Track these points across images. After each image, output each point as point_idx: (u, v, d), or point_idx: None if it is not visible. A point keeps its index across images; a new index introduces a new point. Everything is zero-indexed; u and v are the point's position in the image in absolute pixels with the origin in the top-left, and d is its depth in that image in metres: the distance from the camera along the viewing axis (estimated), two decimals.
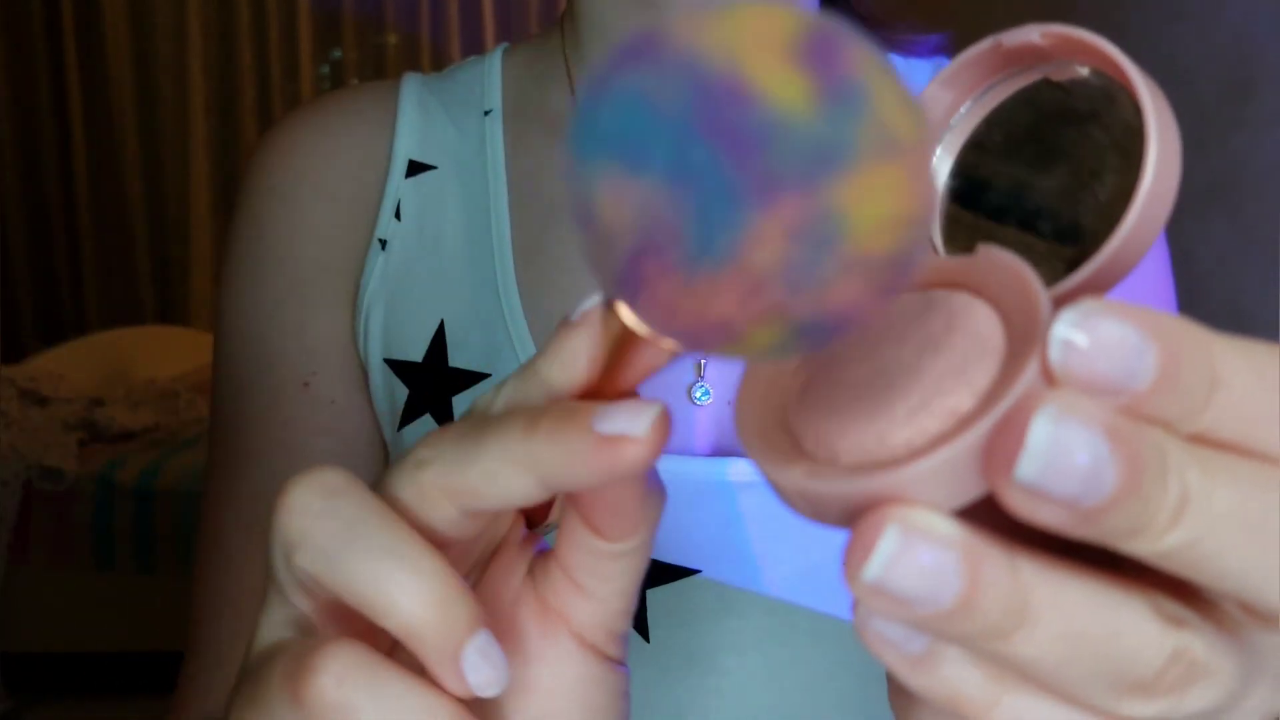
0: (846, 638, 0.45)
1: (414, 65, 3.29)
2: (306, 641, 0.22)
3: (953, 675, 0.17)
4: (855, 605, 0.17)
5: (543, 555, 0.25)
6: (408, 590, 0.21)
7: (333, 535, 0.21)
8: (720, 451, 0.47)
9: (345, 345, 0.51)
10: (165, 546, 2.16)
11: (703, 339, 0.16)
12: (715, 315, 0.16)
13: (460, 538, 0.23)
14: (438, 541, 0.22)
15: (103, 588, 2.18)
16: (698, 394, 0.47)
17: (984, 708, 0.17)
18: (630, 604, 0.25)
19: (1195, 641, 0.17)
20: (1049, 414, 0.15)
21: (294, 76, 3.31)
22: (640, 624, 0.45)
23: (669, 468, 0.46)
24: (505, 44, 0.57)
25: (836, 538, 0.45)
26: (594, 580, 0.24)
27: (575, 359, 0.22)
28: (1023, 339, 0.17)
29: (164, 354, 2.79)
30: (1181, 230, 1.28)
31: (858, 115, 0.15)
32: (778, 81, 0.14)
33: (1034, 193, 0.22)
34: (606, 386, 0.21)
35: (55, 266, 3.25)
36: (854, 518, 0.17)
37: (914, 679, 0.17)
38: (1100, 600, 0.17)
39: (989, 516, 0.17)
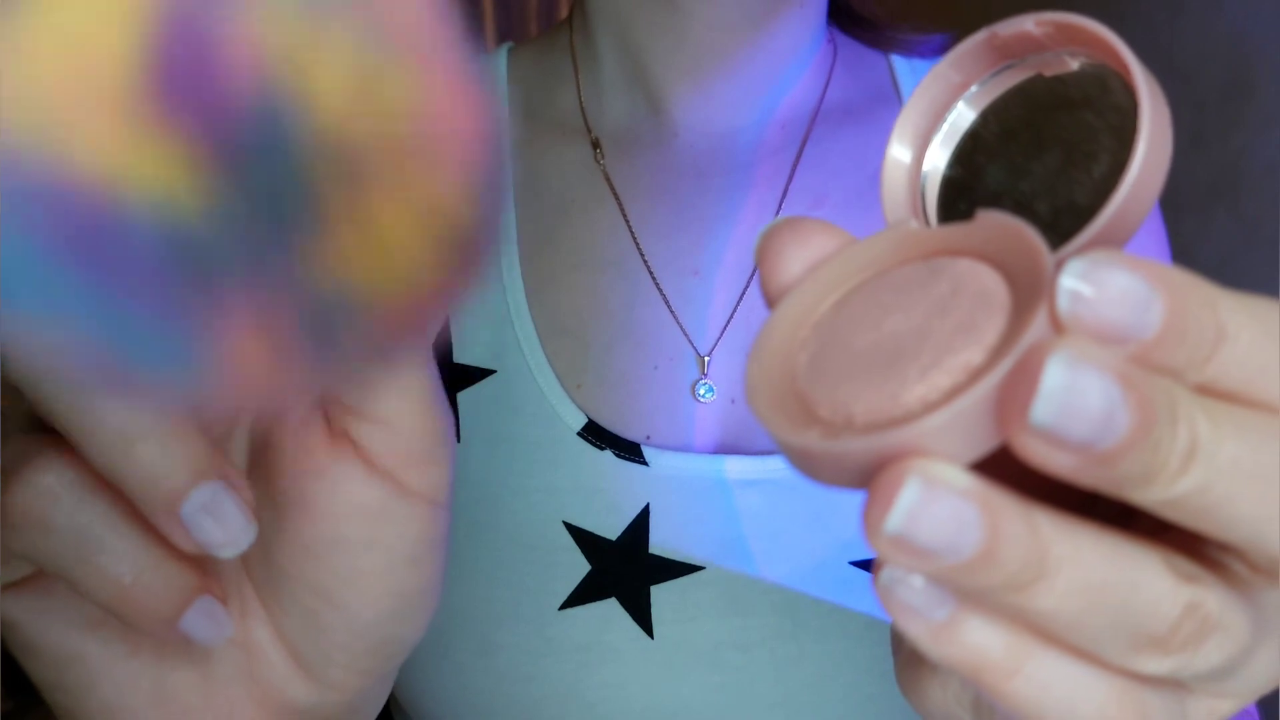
0: (852, 633, 0.45)
1: None
2: (15, 444, 0.20)
3: (976, 642, 0.17)
4: (876, 571, 0.18)
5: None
6: (106, 418, 0.18)
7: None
8: (724, 449, 0.47)
9: None
10: None
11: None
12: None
13: None
14: None
15: None
16: (701, 391, 0.47)
17: (1007, 674, 0.17)
18: (423, 423, 0.23)
19: (1208, 597, 0.17)
20: (1062, 358, 0.15)
21: None
22: (645, 621, 0.45)
23: (672, 464, 0.46)
24: (510, 43, 0.57)
25: (837, 535, 0.46)
26: (368, 402, 0.22)
27: None
28: (1028, 293, 0.18)
29: None
30: (1182, 228, 1.28)
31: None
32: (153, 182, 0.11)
33: (1030, 177, 0.22)
34: None
35: None
36: (872, 476, 0.17)
37: (937, 647, 0.18)
38: (1116, 554, 0.17)
39: (1003, 476, 0.17)
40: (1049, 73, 0.22)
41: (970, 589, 0.17)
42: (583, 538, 0.46)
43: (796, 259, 0.21)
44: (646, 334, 0.49)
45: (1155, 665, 0.17)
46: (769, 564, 0.46)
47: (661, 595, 0.45)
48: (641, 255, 0.50)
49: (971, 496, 0.16)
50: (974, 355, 0.17)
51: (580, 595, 0.45)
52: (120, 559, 0.20)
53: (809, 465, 0.18)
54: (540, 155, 0.52)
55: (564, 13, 0.56)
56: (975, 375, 0.17)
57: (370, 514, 0.23)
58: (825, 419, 0.19)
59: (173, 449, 0.19)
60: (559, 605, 0.45)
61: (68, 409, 0.19)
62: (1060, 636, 0.17)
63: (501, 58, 0.55)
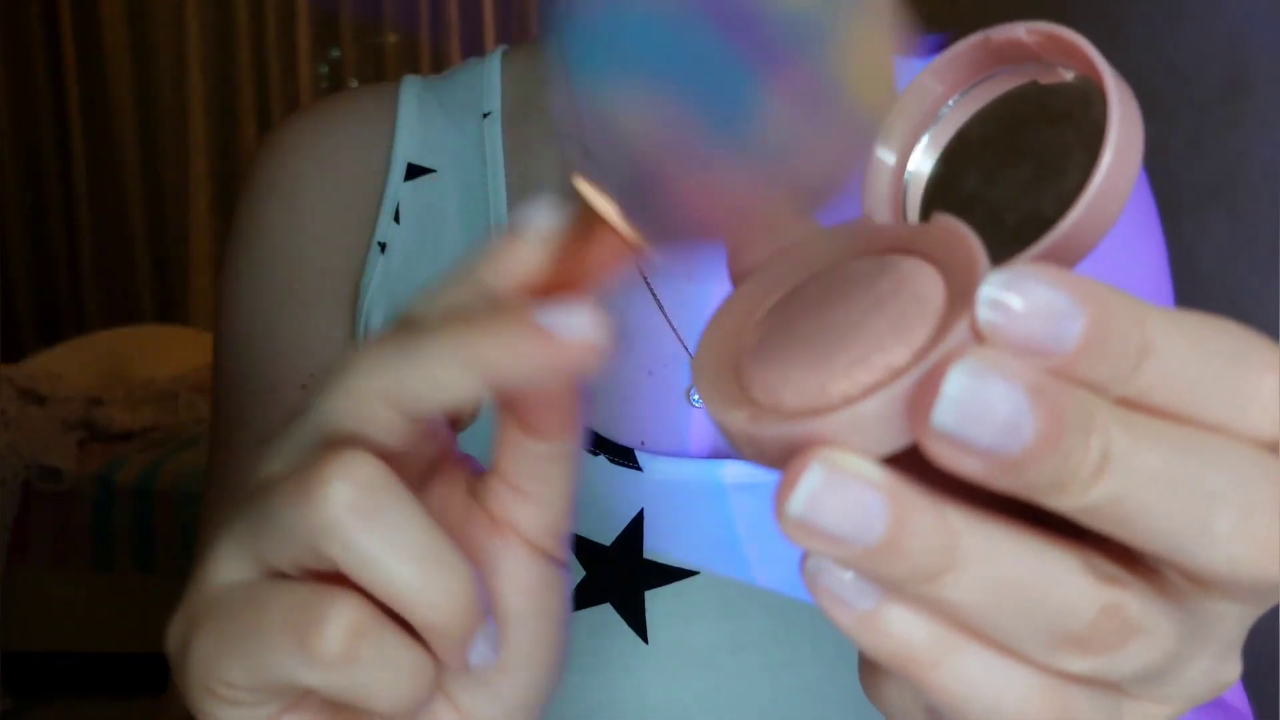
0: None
1: (413, 65, 3.29)
2: (306, 590, 0.22)
3: (899, 632, 0.18)
4: (803, 561, 0.18)
5: (479, 475, 0.26)
6: (441, 593, 0.22)
7: (373, 536, 0.21)
8: (718, 453, 0.47)
9: (344, 348, 0.51)
10: (165, 546, 2.16)
11: (710, 230, 0.18)
12: (732, 203, 0.17)
13: (399, 447, 0.23)
14: (378, 452, 0.22)
15: (102, 588, 2.18)
16: (695, 396, 0.47)
17: (929, 666, 0.18)
18: (570, 504, 0.26)
19: (1129, 599, 0.18)
20: (965, 366, 0.16)
21: (292, 76, 3.31)
22: (639, 625, 0.45)
23: (667, 469, 0.46)
24: (504, 46, 0.57)
25: None
26: (534, 483, 0.25)
27: (515, 265, 0.22)
28: (961, 300, 0.18)
29: (163, 354, 2.79)
30: (1181, 230, 1.28)
31: None
32: None
33: (1003, 185, 0.22)
34: (552, 290, 0.22)
35: (54, 266, 3.25)
36: (789, 460, 0.18)
37: (862, 637, 0.18)
38: (1030, 550, 0.17)
39: (928, 478, 0.17)
40: (1044, 81, 0.22)
41: (880, 577, 0.17)
42: (577, 543, 0.46)
43: (764, 243, 0.21)
44: (640, 339, 0.49)
45: (1076, 664, 0.18)
46: (764, 567, 0.45)
47: (656, 600, 0.45)
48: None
49: (877, 486, 0.17)
50: (899, 356, 0.18)
51: (575, 601, 0.45)
52: (410, 675, 0.22)
53: (737, 443, 0.19)
54: (533, 159, 0.52)
55: None
56: (894, 375, 0.18)
57: (535, 588, 0.25)
58: (758, 401, 0.19)
59: (477, 597, 0.22)
60: None
61: (404, 582, 0.21)
62: (979, 630, 0.18)
63: (495, 61, 0.55)
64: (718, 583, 0.45)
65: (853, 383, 0.18)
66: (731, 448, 0.19)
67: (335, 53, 3.36)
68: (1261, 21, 1.20)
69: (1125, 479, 0.16)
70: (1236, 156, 1.24)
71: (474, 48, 3.23)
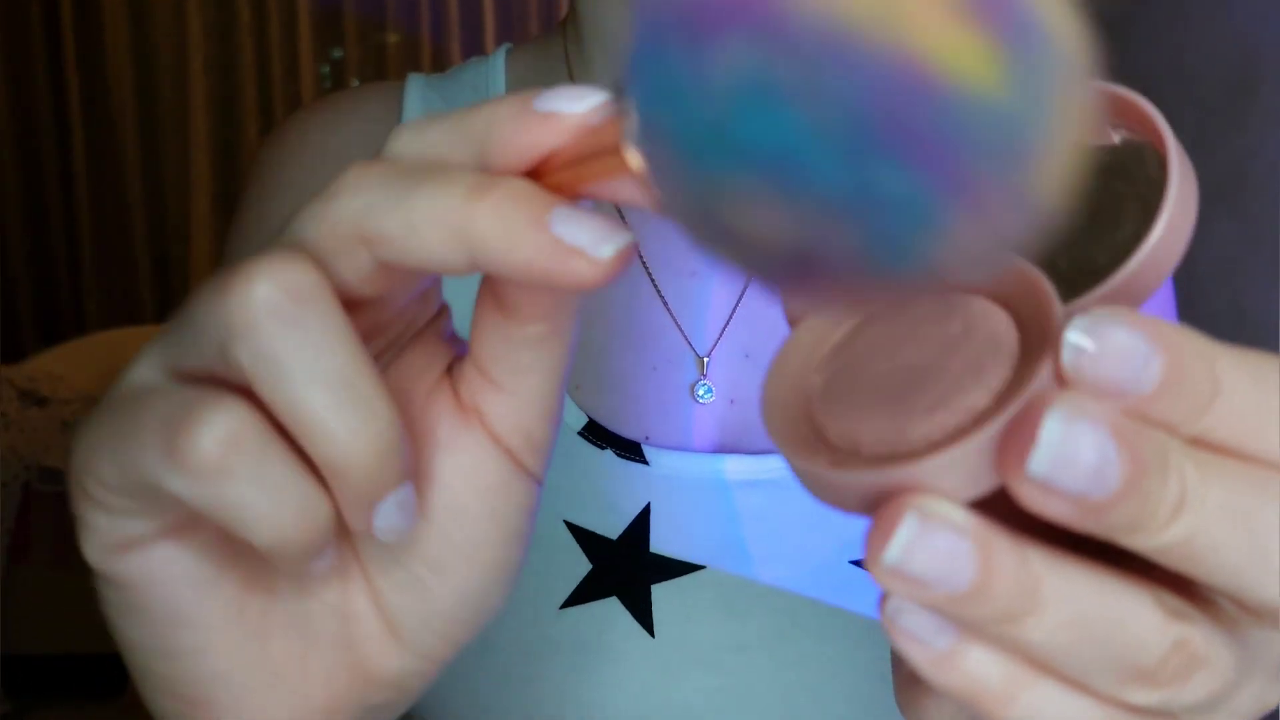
0: (852, 634, 0.45)
1: (415, 65, 3.29)
2: (194, 391, 0.20)
3: (975, 671, 0.18)
4: (882, 602, 0.18)
5: (461, 357, 0.24)
6: (352, 430, 0.19)
7: (286, 347, 0.19)
8: (722, 449, 0.47)
9: None
10: None
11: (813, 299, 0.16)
12: (869, 296, 0.15)
13: (368, 295, 0.21)
14: (345, 296, 0.20)
15: None
16: (700, 392, 0.47)
17: (1004, 702, 0.18)
18: (550, 408, 0.24)
19: (1195, 634, 0.18)
20: (1060, 413, 0.16)
21: (294, 76, 3.31)
22: (646, 619, 0.45)
23: (672, 464, 0.46)
24: (508, 45, 0.57)
25: (838, 534, 0.46)
26: (508, 373, 0.23)
27: (529, 147, 0.20)
28: (1036, 343, 0.18)
29: None
30: None
31: (1049, 70, 0.13)
32: (957, 54, 0.12)
33: (1056, 233, 0.23)
34: (549, 179, 0.20)
35: (55, 266, 3.25)
36: (874, 506, 0.18)
37: (938, 675, 0.18)
38: (1106, 591, 0.18)
39: (1000, 512, 0.17)
40: (1093, 142, 0.23)
41: (965, 619, 0.18)
42: (584, 537, 0.46)
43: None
44: (645, 335, 0.49)
45: (1144, 697, 0.18)
46: (768, 564, 0.45)
47: (662, 594, 0.45)
48: (640, 256, 0.50)
49: (966, 532, 0.17)
50: (979, 399, 0.18)
51: (581, 594, 0.45)
52: (294, 508, 0.20)
53: (815, 487, 0.19)
54: None
55: (564, 13, 0.56)
56: (979, 419, 0.18)
57: (492, 488, 0.24)
58: (834, 444, 0.19)
59: (395, 449, 0.20)
60: (559, 604, 0.45)
61: (314, 405, 0.19)
62: (1054, 667, 0.18)
63: (500, 59, 0.55)
64: (723, 579, 0.45)
65: (934, 425, 0.18)
66: (808, 491, 0.20)
67: (337, 53, 3.36)
68: (1268, 22, 1.20)
69: (1198, 518, 0.17)
70: (1242, 157, 1.24)
71: (474, 47, 3.23)
